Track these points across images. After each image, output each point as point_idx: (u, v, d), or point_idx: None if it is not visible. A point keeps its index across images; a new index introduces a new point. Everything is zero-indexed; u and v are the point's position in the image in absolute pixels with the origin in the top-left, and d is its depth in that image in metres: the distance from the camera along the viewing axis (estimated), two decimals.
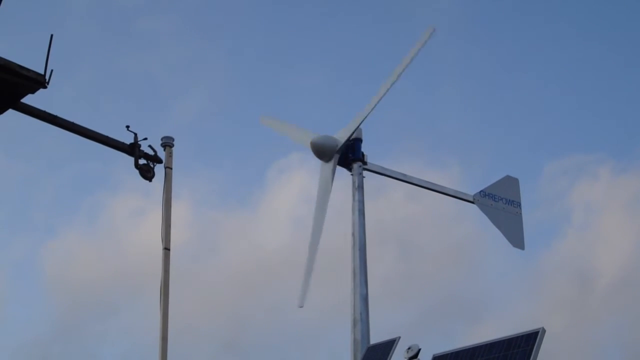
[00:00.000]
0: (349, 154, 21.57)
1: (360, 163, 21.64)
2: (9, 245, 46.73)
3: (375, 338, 17.44)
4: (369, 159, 21.79)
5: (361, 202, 21.10)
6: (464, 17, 52.47)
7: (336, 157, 21.36)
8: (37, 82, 11.09)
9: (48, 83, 11.15)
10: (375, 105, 21.44)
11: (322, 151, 21.41)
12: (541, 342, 11.14)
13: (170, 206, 13.34)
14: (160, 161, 13.42)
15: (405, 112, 49.39)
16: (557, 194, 49.77)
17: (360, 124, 21.44)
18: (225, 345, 37.86)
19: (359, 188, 21.31)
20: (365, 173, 21.75)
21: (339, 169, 21.75)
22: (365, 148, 21.75)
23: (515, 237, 23.41)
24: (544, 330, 11.23)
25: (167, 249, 13.07)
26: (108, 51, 51.25)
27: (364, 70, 50.18)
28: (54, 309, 43.44)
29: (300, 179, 20.35)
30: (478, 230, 22.28)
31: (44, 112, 12.35)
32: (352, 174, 21.60)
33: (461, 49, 51.49)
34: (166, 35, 52.67)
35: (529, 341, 11.28)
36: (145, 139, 13.28)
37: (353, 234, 20.76)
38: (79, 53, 49.45)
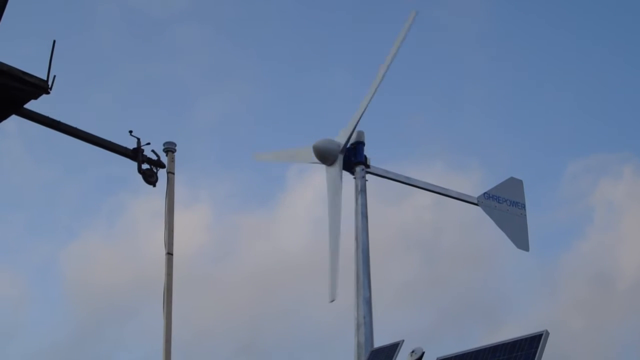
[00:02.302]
0: (351, 158, 21.58)
1: (362, 166, 21.63)
2: (29, 249, 47.14)
3: (389, 341, 17.33)
4: (388, 162, 21.83)
5: (364, 206, 21.11)
6: (490, 25, 52.70)
7: (340, 157, 21.33)
8: (40, 87, 11.11)
9: (51, 89, 11.17)
10: (370, 100, 21.45)
11: (325, 154, 21.39)
12: (545, 345, 11.12)
13: (173, 211, 13.39)
14: (163, 166, 13.45)
15: (426, 117, 49.60)
16: (580, 193, 49.70)
17: (358, 121, 21.42)
18: (243, 348, 37.93)
19: (362, 191, 21.31)
20: (386, 181, 21.81)
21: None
22: (383, 152, 21.79)
23: (520, 239, 23.38)
24: (547, 333, 11.22)
25: (170, 253, 13.11)
26: (138, 59, 51.84)
27: (389, 77, 50.29)
28: (73, 313, 43.61)
29: (319, 180, 20.69)
30: (499, 233, 22.36)
31: (47, 117, 12.38)
32: (354, 177, 21.60)
33: (486, 54, 51.78)
34: (194, 43, 53.08)
35: (532, 344, 11.27)
36: (148, 143, 13.32)
37: (356, 238, 20.76)
38: (110, 61, 50.26)
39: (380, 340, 19.32)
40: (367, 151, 21.90)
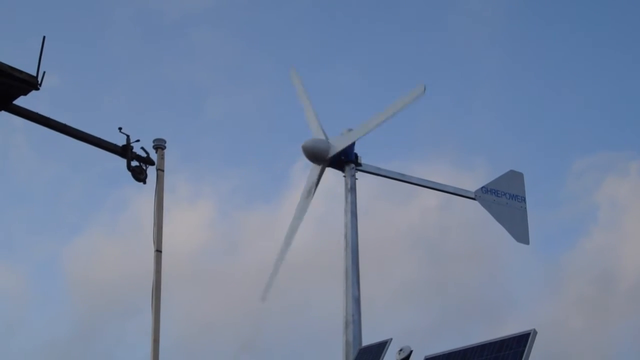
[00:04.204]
0: (341, 157, 21.57)
1: (352, 165, 21.62)
2: (32, 245, 47.14)
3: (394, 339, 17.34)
4: (396, 161, 21.79)
5: (353, 204, 21.12)
6: (501, 26, 52.93)
7: (325, 164, 21.41)
8: (29, 83, 11.08)
9: (40, 85, 11.15)
10: (370, 131, 21.53)
11: (313, 155, 21.42)
12: (532, 344, 11.17)
13: (162, 208, 13.33)
14: (152, 163, 13.39)
15: (435, 116, 49.72)
16: (585, 191, 49.53)
17: (354, 142, 21.50)
18: (245, 344, 37.87)
19: (352, 190, 21.32)
20: (393, 182, 21.82)
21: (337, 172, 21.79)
22: (391, 151, 21.79)
23: (520, 232, 22.99)
24: (535, 332, 11.26)
25: (158, 251, 13.07)
26: (151, 59, 52.36)
27: (400, 75, 50.83)
28: (75, 309, 43.54)
29: (324, 177, 20.65)
30: (502, 231, 22.06)
31: (36, 113, 12.32)
32: (344, 176, 21.60)
33: (496, 55, 52.07)
34: (204, 43, 53.50)
35: (520, 343, 11.31)
36: (138, 140, 13.28)
37: (345, 236, 20.76)
38: (124, 62, 50.62)
39: (382, 337, 19.35)
40: (375, 150, 21.93)
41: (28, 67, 11.03)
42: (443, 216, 39.46)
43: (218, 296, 42.78)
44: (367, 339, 19.14)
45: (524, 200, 23.51)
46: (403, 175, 22.38)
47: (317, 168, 21.38)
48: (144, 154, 13.31)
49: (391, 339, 14.70)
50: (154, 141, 13.56)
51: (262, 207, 49.44)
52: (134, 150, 13.19)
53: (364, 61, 51.32)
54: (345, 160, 21.59)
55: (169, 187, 13.48)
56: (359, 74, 51.47)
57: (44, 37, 11.15)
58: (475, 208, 23.03)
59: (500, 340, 11.72)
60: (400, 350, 13.24)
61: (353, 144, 21.72)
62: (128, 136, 13.14)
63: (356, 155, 21.76)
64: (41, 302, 45.46)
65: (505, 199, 23.20)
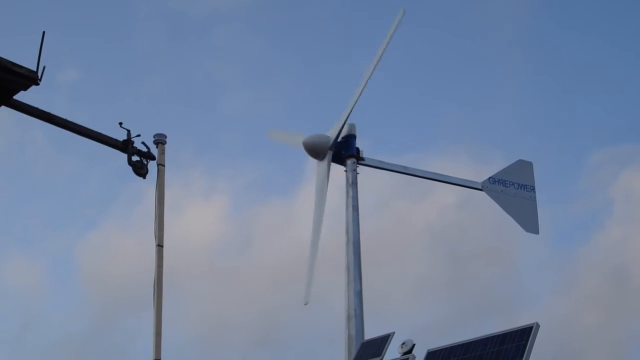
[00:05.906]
0: (342, 151, 21.54)
1: (354, 159, 21.59)
2: (48, 240, 47.27)
3: (408, 334, 17.24)
4: (411, 155, 21.69)
5: (355, 199, 21.10)
6: (519, 21, 52.98)
7: (329, 154, 21.32)
8: (29, 79, 11.06)
9: (40, 80, 11.13)
10: (359, 96, 21.40)
11: (314, 150, 21.38)
12: (535, 337, 11.15)
13: (163, 203, 13.34)
14: (153, 158, 13.42)
15: (453, 112, 49.72)
16: (600, 184, 49.30)
17: (347, 117, 21.37)
18: (259, 339, 37.86)
19: (353, 184, 21.30)
20: (410, 179, 21.76)
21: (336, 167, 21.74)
22: (404, 149, 21.76)
23: (529, 222, 22.61)
24: (538, 325, 11.25)
25: (160, 245, 13.08)
26: (170, 56, 52.56)
27: (421, 72, 51.05)
28: (90, 303, 43.65)
29: (338, 171, 20.63)
30: (517, 228, 21.76)
31: (37, 109, 12.32)
32: (345, 170, 21.58)
33: (517, 50, 52.15)
34: (222, 38, 53.76)
35: (523, 336, 11.30)
36: (139, 135, 13.31)
37: (347, 230, 20.75)
38: (144, 58, 50.90)
39: (398, 332, 19.29)
40: (391, 145, 21.83)
41: (47, 62, 11.06)
42: (459, 212, 39.43)
43: (233, 291, 42.83)
44: (379, 334, 19.17)
45: (534, 189, 23.09)
46: (406, 167, 22.27)
47: (322, 164, 21.27)
48: (145, 149, 13.34)
49: (394, 333, 14.70)
50: (154, 136, 13.58)
51: (277, 201, 49.44)
52: (134, 145, 13.22)
53: (385, 58, 51.33)
54: (346, 154, 21.56)
55: (184, 182, 13.54)
56: (379, 71, 51.42)
57: (43, 33, 11.14)
58: (492, 204, 22.72)
59: (503, 334, 11.71)
60: (403, 344, 13.25)
61: (354, 137, 21.67)
62: (129, 131, 13.18)
63: (358, 150, 21.74)
64: (57, 296, 45.72)
65: (513, 189, 22.85)
